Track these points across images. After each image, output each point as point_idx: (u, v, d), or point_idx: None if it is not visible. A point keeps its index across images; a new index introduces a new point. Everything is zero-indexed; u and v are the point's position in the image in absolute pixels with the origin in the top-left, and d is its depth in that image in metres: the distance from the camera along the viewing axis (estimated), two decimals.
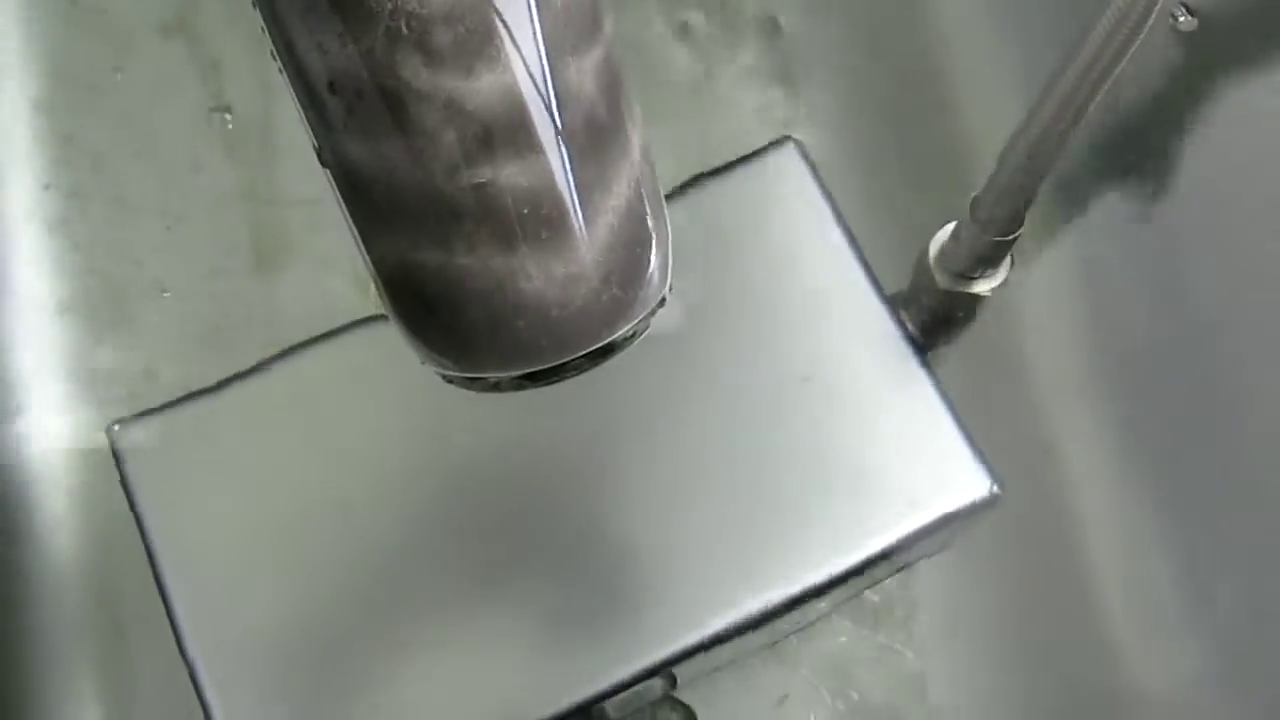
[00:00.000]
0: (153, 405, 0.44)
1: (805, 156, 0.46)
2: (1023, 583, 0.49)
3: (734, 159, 0.46)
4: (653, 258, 0.28)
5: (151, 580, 0.42)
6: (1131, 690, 0.46)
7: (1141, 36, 0.30)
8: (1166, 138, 0.43)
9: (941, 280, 0.40)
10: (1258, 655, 0.42)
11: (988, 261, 0.40)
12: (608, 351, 0.28)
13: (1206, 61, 0.41)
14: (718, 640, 0.42)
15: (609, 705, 0.42)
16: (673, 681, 0.44)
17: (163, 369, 0.51)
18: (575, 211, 0.26)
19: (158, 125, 0.54)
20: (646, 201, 0.27)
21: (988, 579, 0.49)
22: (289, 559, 0.42)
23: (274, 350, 0.45)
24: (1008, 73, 0.51)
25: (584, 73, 0.26)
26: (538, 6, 0.25)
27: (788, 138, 0.46)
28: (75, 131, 0.54)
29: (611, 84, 0.27)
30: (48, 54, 0.55)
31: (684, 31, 0.55)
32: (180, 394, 0.44)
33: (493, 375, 0.28)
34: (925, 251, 0.40)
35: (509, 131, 0.25)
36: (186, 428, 0.44)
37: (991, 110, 0.51)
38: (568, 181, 0.26)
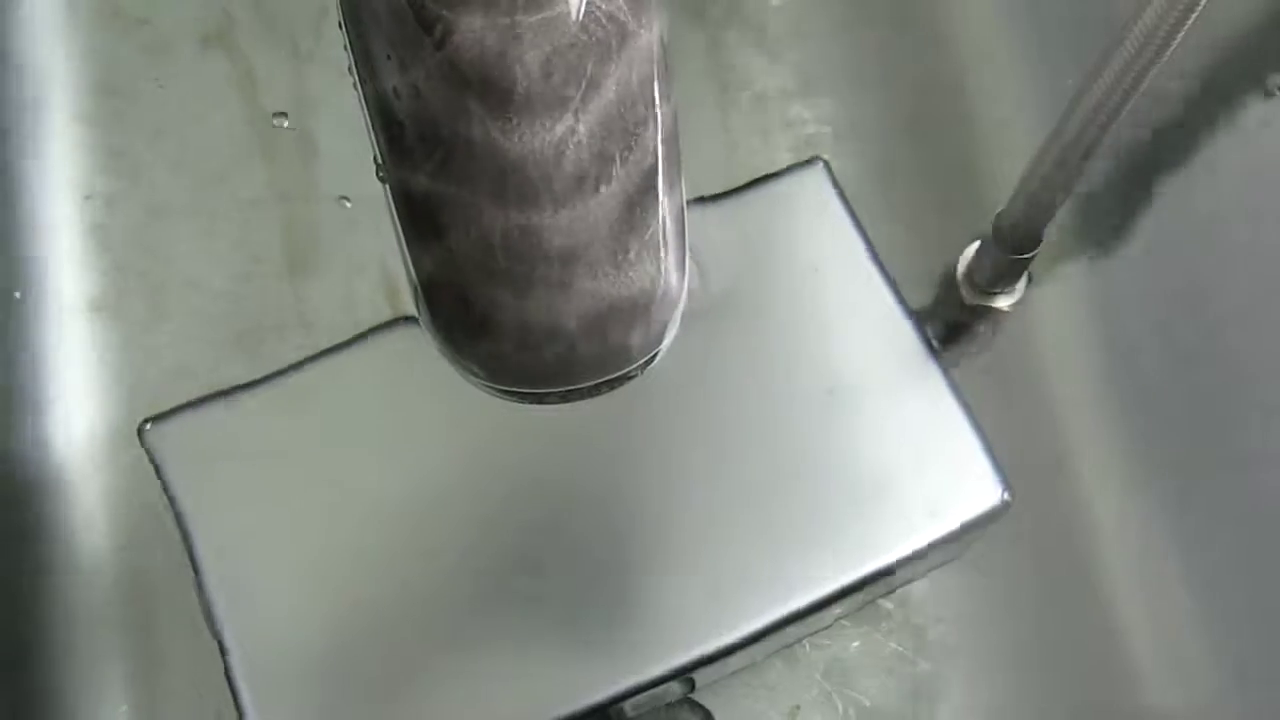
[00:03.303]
0: (182, 402, 0.45)
1: (832, 177, 0.47)
2: (1037, 594, 0.49)
3: (760, 176, 0.47)
4: (672, 299, 0.29)
5: (180, 576, 0.43)
6: (1145, 705, 0.47)
7: (1166, 56, 0.31)
8: (1182, 149, 0.44)
9: (967, 295, 0.41)
10: (1273, 671, 0.43)
11: (1007, 278, 0.41)
12: (623, 379, 0.30)
13: (1223, 60, 0.41)
14: (735, 647, 0.42)
15: (627, 706, 0.43)
16: (691, 685, 0.44)
17: (194, 368, 0.52)
18: (608, 259, 0.28)
19: (196, 133, 0.55)
20: (671, 252, 0.29)
21: (1002, 590, 0.49)
22: (322, 556, 0.43)
23: (304, 351, 0.45)
24: (1030, 91, 0.52)
25: (640, 136, 0.27)
26: (601, 86, 0.26)
27: (816, 158, 0.47)
28: (115, 138, 0.55)
29: (657, 151, 0.28)
30: (90, 64, 0.56)
31: (710, 48, 0.56)
32: (212, 391, 0.45)
33: (514, 389, 0.30)
34: (953, 267, 0.41)
35: (556, 185, 0.27)
36: (221, 424, 0.44)
37: (1014, 129, 0.52)
38: (605, 233, 0.27)
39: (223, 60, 0.56)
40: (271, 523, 0.43)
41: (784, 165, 0.48)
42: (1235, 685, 0.45)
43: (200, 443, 0.44)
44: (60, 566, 0.49)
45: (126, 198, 0.54)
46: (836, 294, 0.45)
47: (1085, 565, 0.48)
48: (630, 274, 0.28)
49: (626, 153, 0.27)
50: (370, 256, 0.52)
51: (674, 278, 0.29)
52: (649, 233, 0.28)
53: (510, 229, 0.27)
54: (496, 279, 0.28)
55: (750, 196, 0.47)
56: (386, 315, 0.46)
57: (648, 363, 0.30)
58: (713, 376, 0.44)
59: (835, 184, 0.47)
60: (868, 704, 0.48)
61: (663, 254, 0.29)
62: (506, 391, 0.30)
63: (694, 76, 0.56)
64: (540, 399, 0.30)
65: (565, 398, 0.30)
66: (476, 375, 0.30)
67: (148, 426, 0.44)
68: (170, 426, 0.44)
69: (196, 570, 0.42)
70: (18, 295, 0.53)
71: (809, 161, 0.47)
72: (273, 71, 0.56)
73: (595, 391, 0.30)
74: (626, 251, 0.28)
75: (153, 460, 0.44)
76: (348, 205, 0.53)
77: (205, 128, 0.55)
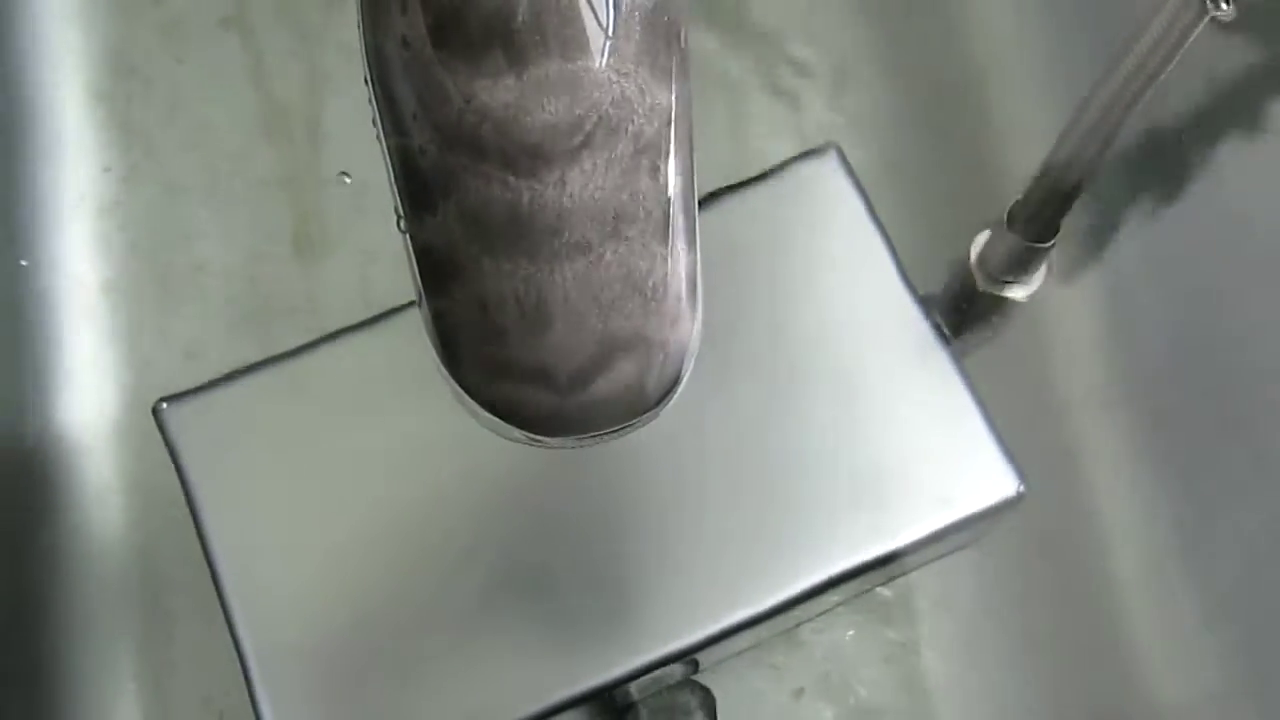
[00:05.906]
0: (196, 383, 0.45)
1: (846, 163, 0.47)
2: (1042, 586, 0.49)
3: (774, 164, 0.47)
4: (685, 346, 0.30)
5: (191, 556, 0.43)
6: (1151, 699, 0.47)
7: (1186, 45, 0.31)
8: (1199, 145, 0.44)
9: (981, 283, 0.41)
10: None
11: (1022, 267, 0.41)
12: (633, 426, 0.30)
13: (1244, 58, 0.41)
14: (737, 629, 0.42)
15: (632, 687, 0.43)
16: (694, 666, 0.45)
17: (204, 349, 0.52)
18: (622, 310, 0.28)
19: (210, 114, 0.55)
20: (685, 299, 0.29)
21: (1007, 581, 0.49)
22: (333, 538, 0.43)
23: (315, 333, 0.45)
24: (1045, 81, 0.52)
25: (659, 188, 0.28)
26: (623, 141, 0.27)
27: (831, 144, 0.47)
28: (130, 117, 0.55)
29: (674, 203, 0.29)
30: (107, 44, 0.57)
31: (721, 38, 0.56)
32: (224, 372, 0.45)
33: (523, 434, 0.30)
34: (966, 255, 0.41)
35: (574, 237, 0.28)
36: (234, 405, 0.44)
37: (1028, 119, 0.52)
38: (620, 284, 0.28)
39: (237, 40, 0.56)
40: (284, 504, 0.43)
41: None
42: (1244, 679, 0.45)
43: (215, 423, 0.44)
44: (70, 546, 0.50)
45: (140, 177, 0.54)
46: (849, 282, 0.45)
47: (1092, 558, 0.48)
48: (644, 324, 0.29)
49: (645, 206, 0.28)
50: (382, 239, 0.52)
51: (688, 324, 0.30)
52: (664, 282, 0.29)
53: (528, 281, 0.28)
54: (513, 330, 0.29)
55: (764, 183, 0.47)
56: (398, 297, 0.46)
57: (659, 408, 0.31)
58: (723, 365, 0.44)
59: (849, 170, 0.47)
60: (864, 692, 0.48)
61: (677, 302, 0.29)
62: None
63: (704, 66, 0.56)
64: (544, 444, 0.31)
65: (578, 443, 0.31)
66: (491, 422, 0.31)
67: (163, 406, 0.44)
68: (186, 406, 0.44)
69: (207, 550, 0.42)
70: (23, 263, 0.53)
71: (823, 148, 0.47)
72: (286, 52, 0.56)
73: (609, 437, 0.31)
74: (642, 302, 0.29)
75: (166, 440, 0.44)
76: (347, 181, 0.54)
77: (220, 108, 0.55)
